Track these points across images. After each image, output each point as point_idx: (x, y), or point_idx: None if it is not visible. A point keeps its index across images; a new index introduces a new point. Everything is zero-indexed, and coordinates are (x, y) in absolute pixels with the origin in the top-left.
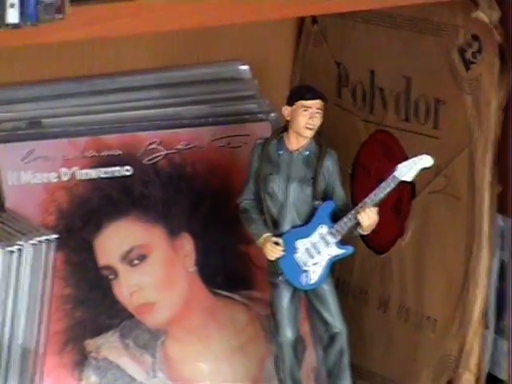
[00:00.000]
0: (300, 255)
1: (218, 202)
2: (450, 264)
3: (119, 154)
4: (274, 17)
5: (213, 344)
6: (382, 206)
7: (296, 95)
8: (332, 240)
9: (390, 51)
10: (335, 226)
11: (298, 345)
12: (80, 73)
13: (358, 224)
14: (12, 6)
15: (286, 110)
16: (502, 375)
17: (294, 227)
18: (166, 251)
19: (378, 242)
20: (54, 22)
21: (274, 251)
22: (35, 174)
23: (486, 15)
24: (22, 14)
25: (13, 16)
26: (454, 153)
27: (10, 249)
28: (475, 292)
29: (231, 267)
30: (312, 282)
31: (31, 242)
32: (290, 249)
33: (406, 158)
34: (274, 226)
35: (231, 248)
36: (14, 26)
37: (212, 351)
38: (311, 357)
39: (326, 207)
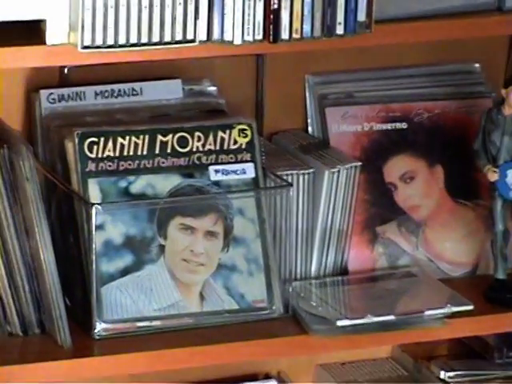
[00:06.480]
0: (509, 179)
1: (459, 145)
2: None
3: (399, 115)
4: None
5: (453, 231)
6: None
7: (509, 82)
8: None
9: None
10: None
11: (506, 233)
12: (376, 65)
13: None
14: (339, 23)
15: (503, 91)
16: None
17: (505, 162)
18: (426, 175)
19: None
20: (364, 33)
21: (493, 176)
22: (348, 125)
23: None
24: (345, 28)
25: (339, 29)
26: None
27: (332, 170)
28: None
29: (467, 185)
30: None
31: (345, 166)
32: (503, 175)
33: None
34: (494, 161)
35: (467, 174)
36: (341, 36)
37: (452, 236)
38: None
39: None
